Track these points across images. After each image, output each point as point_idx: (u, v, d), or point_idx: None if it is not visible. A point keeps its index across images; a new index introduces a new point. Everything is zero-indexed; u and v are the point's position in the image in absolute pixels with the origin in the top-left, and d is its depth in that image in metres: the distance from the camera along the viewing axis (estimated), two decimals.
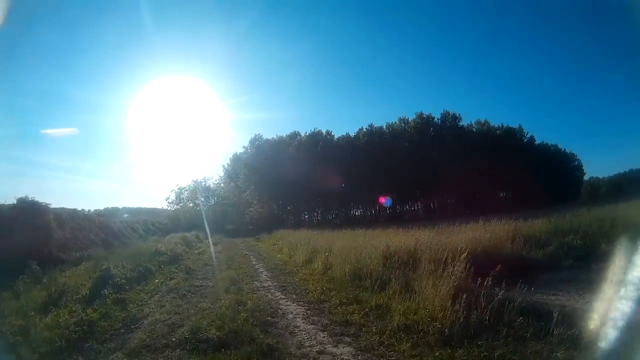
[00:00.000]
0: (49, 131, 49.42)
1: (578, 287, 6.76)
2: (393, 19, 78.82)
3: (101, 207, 53.30)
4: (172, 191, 55.08)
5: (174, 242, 18.96)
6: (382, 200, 50.79)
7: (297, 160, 48.38)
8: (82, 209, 36.40)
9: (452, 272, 5.68)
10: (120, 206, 59.72)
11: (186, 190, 55.04)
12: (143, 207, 60.13)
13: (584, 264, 8.22)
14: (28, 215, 14.12)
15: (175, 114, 71.16)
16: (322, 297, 6.99)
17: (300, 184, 48.16)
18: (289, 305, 6.70)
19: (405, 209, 59.04)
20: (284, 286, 8.40)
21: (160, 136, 74.91)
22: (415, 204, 59.57)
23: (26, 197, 14.68)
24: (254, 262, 13.23)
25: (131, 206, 61.07)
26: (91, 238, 23.41)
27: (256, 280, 9.29)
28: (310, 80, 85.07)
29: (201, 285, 8.88)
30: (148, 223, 45.42)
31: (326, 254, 10.25)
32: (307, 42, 73.02)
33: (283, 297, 7.40)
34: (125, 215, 50.82)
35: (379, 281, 7.03)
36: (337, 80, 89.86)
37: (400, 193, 54.06)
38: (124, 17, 53.13)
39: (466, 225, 13.85)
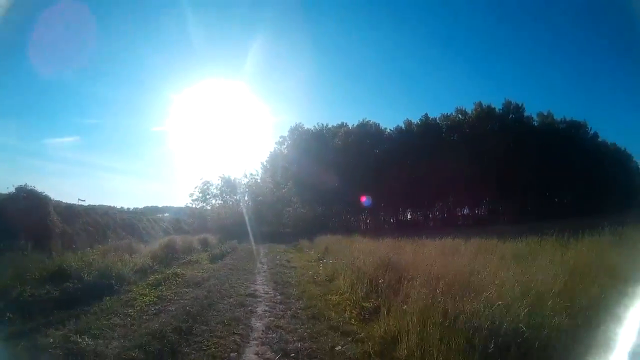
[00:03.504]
0: None
1: None
2: None
3: (141, 206, 52.05)
4: (195, 187, 50.01)
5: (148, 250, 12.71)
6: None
7: (344, 153, 43.85)
8: (121, 207, 36.43)
9: None
10: (160, 205, 58.68)
11: (213, 187, 49.72)
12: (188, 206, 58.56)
13: None
14: (24, 206, 12.45)
15: (209, 114, 71.03)
16: None
17: (347, 181, 42.64)
18: None
19: (458, 212, 51.51)
20: None
21: (198, 134, 75.60)
22: (466, 208, 51.75)
23: (25, 185, 13.11)
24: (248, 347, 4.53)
25: (174, 205, 59.23)
26: (108, 234, 22.36)
27: None
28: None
29: None
30: (181, 222, 44.75)
31: None
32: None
33: None
34: (165, 215, 49.95)
35: None
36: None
37: (458, 194, 46.84)
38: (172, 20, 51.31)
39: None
